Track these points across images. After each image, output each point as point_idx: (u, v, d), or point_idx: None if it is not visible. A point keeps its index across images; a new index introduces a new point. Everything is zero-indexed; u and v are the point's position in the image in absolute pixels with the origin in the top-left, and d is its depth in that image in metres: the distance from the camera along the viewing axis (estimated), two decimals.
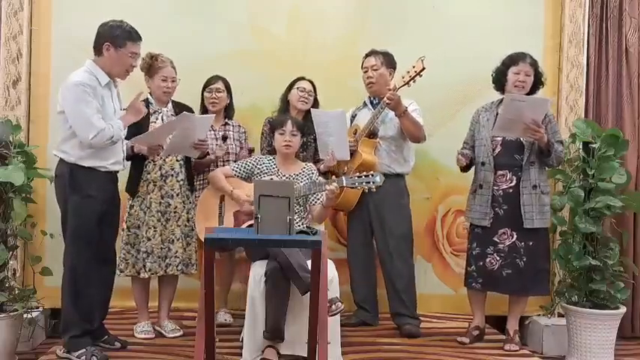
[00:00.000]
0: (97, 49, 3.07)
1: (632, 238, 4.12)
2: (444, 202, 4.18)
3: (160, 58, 3.45)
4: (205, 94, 3.73)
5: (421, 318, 3.72)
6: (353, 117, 3.81)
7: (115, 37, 3.03)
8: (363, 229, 3.73)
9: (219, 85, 3.72)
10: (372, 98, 3.74)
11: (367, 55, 3.71)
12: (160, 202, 3.43)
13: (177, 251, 3.43)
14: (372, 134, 3.62)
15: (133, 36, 3.07)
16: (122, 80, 3.21)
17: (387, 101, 3.41)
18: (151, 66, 3.44)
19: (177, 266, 3.44)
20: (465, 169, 3.61)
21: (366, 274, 3.77)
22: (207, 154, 3.59)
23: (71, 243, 3.06)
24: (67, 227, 3.08)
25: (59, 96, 3.05)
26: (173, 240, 3.44)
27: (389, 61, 3.68)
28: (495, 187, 3.46)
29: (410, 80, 3.43)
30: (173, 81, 3.48)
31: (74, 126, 2.99)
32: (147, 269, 3.39)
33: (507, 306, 3.64)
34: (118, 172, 3.20)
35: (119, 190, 3.30)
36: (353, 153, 3.60)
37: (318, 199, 3.36)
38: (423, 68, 3.38)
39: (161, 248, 3.42)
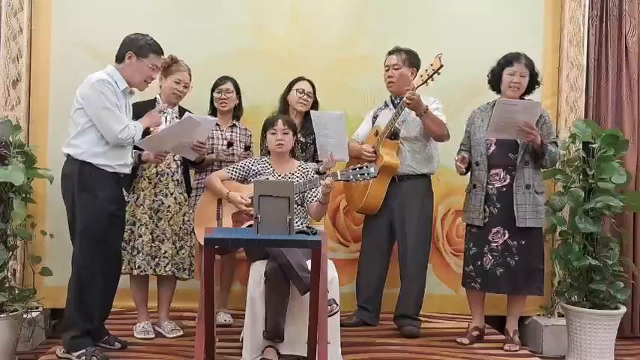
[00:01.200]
0: (120, 58, 3.11)
1: (632, 238, 4.12)
2: (444, 202, 4.18)
3: (179, 62, 3.49)
4: (215, 94, 3.73)
5: (421, 318, 3.71)
6: (375, 117, 3.78)
7: (139, 47, 3.09)
8: (383, 230, 3.69)
9: (229, 85, 3.73)
10: (393, 98, 3.71)
11: (390, 53, 3.67)
12: (154, 200, 3.43)
13: (166, 251, 3.42)
14: (393, 135, 3.58)
15: (157, 49, 3.14)
16: (140, 91, 3.22)
17: (407, 101, 3.38)
18: (169, 67, 3.47)
19: (165, 266, 3.42)
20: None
21: (377, 275, 3.75)
22: (204, 159, 3.60)
23: (80, 242, 3.05)
24: (76, 226, 3.07)
25: (77, 93, 3.05)
26: (163, 239, 3.43)
27: (411, 60, 3.64)
28: (489, 186, 3.46)
29: (428, 79, 3.40)
30: (185, 86, 3.50)
31: (99, 121, 3.01)
32: (137, 266, 3.38)
33: (507, 306, 3.64)
34: (123, 174, 3.20)
35: None
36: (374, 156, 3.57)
37: (315, 196, 3.35)
38: (441, 65, 3.34)
39: (151, 246, 3.41)
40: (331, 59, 4.10)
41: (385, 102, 3.77)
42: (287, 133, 3.40)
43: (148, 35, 3.14)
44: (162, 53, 3.18)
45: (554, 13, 4.15)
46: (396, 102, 3.66)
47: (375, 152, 3.58)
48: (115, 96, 3.04)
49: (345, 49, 4.10)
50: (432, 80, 3.41)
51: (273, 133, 3.39)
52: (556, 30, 4.15)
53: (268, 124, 3.46)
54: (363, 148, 3.62)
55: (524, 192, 3.40)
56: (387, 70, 3.66)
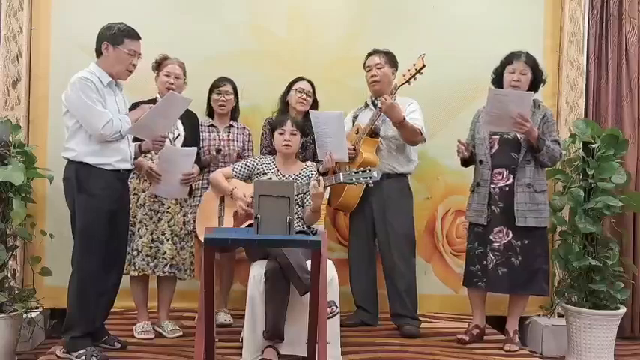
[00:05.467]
0: (98, 51, 3.10)
1: (632, 238, 4.12)
2: (444, 202, 4.18)
3: (169, 58, 3.52)
4: (214, 95, 3.73)
5: (421, 318, 3.71)
6: (355, 117, 3.80)
7: (112, 36, 3.07)
8: (365, 228, 3.72)
9: (228, 87, 3.73)
10: (373, 98, 3.73)
11: (370, 54, 3.70)
12: (154, 201, 3.43)
13: (165, 252, 3.42)
14: (373, 134, 3.61)
15: (131, 34, 3.10)
16: (124, 81, 3.21)
17: (382, 107, 3.41)
18: (160, 64, 3.51)
19: (164, 267, 3.41)
20: (465, 163, 3.61)
21: (367, 275, 3.77)
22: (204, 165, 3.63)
23: (79, 242, 3.06)
24: (75, 226, 3.07)
25: (63, 97, 3.06)
26: (163, 240, 3.43)
27: (392, 61, 3.67)
28: (492, 186, 3.46)
29: (410, 78, 3.43)
30: (177, 78, 3.50)
31: (82, 119, 3.01)
32: (136, 267, 3.38)
33: (507, 306, 3.63)
34: (126, 171, 3.19)
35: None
36: (354, 153, 3.60)
37: (309, 202, 3.34)
38: (424, 65, 3.37)
39: (150, 247, 3.40)
40: (331, 59, 4.10)
41: (366, 102, 3.79)
42: (295, 135, 3.40)
43: (121, 23, 3.12)
44: (139, 37, 3.12)
45: (554, 13, 4.15)
46: (376, 102, 3.68)
47: (355, 149, 3.59)
48: (97, 92, 3.01)
49: (345, 49, 4.10)
50: (415, 79, 3.43)
51: (281, 134, 3.39)
52: (556, 30, 4.15)
53: (277, 124, 3.45)
54: None
55: (524, 191, 3.40)
56: (370, 70, 3.68)
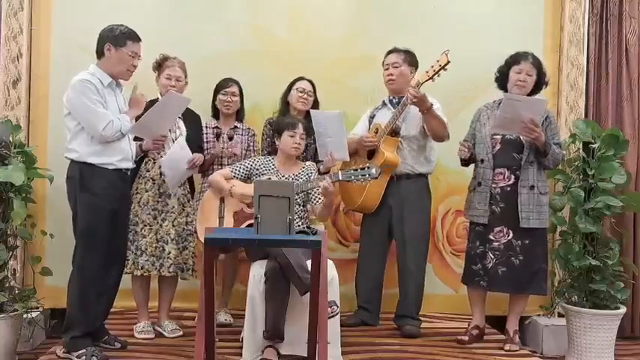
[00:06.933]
0: (99, 52, 3.11)
1: (632, 238, 4.12)
2: (444, 202, 4.18)
3: (170, 58, 3.51)
4: (220, 96, 3.73)
5: (421, 318, 3.71)
6: (372, 117, 3.78)
7: (115, 37, 3.08)
8: (381, 228, 3.70)
9: (235, 89, 3.73)
10: (391, 97, 3.71)
11: (389, 52, 3.68)
12: (158, 201, 3.43)
13: (170, 252, 3.42)
14: (394, 133, 3.58)
15: (133, 36, 3.12)
16: (126, 81, 3.22)
17: (412, 99, 3.36)
18: (160, 65, 3.50)
19: (169, 267, 3.42)
20: (465, 163, 3.60)
21: (374, 275, 3.75)
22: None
23: (80, 241, 3.06)
24: (77, 226, 3.08)
25: (64, 99, 3.07)
26: (167, 240, 3.43)
27: (410, 60, 3.65)
28: (493, 185, 3.46)
29: (434, 74, 3.38)
30: (178, 80, 3.50)
31: (83, 121, 3.03)
32: (140, 267, 3.39)
33: (507, 306, 3.63)
34: (128, 170, 3.20)
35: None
36: (375, 152, 3.59)
37: (320, 199, 3.35)
38: (448, 62, 3.33)
39: (155, 247, 3.41)
40: (331, 59, 4.10)
41: (383, 101, 3.77)
42: (304, 139, 3.42)
43: (122, 25, 3.13)
44: (140, 40, 3.15)
45: (554, 13, 4.15)
46: (394, 101, 3.66)
47: (375, 148, 3.57)
48: (98, 93, 3.03)
49: (345, 49, 4.10)
50: (439, 76, 3.40)
51: (292, 136, 3.39)
52: (556, 30, 4.15)
53: (288, 125, 3.42)
54: (363, 137, 3.62)
55: (529, 192, 3.39)
56: (387, 69, 3.66)
